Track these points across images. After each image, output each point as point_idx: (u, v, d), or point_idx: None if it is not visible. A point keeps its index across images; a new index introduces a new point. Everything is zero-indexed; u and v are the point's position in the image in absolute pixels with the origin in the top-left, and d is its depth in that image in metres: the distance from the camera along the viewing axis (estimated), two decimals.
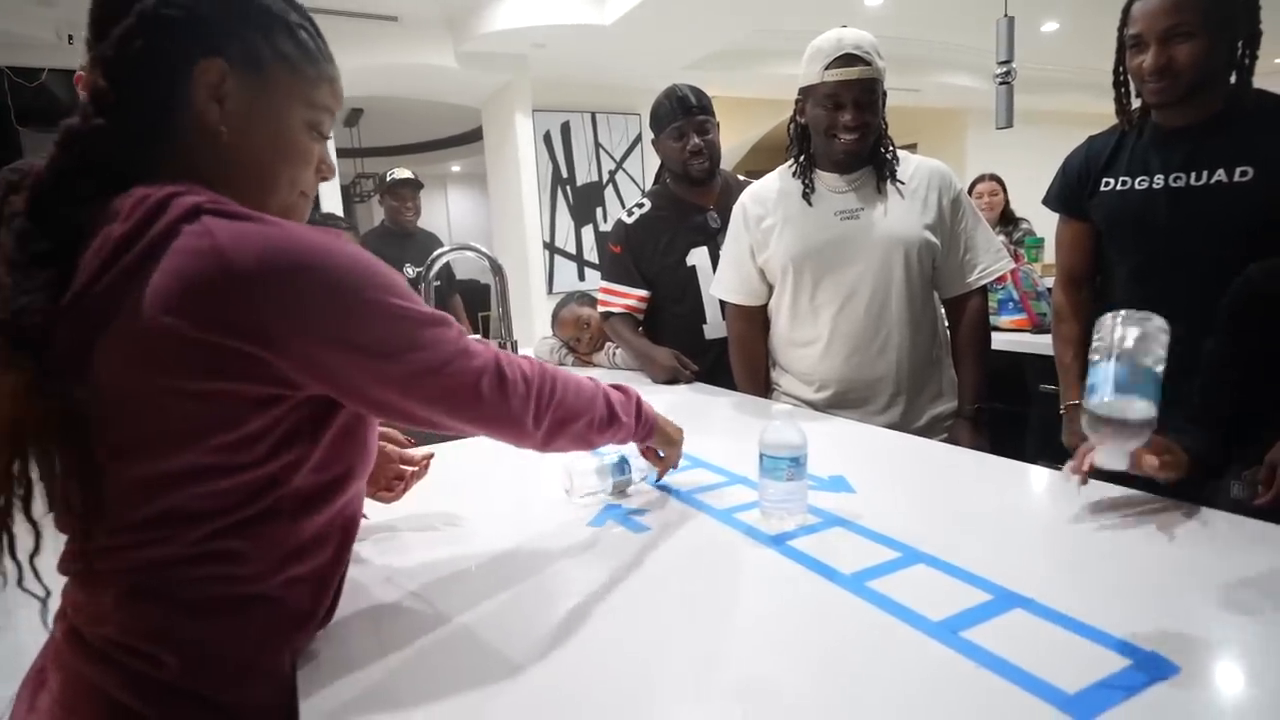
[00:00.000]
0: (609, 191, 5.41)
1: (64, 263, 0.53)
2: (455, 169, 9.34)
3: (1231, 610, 0.63)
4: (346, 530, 0.67)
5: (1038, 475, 1.04)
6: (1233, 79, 1.33)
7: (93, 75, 0.57)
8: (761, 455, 0.86)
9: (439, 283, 3.05)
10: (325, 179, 0.70)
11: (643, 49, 4.48)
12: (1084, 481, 0.87)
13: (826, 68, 1.36)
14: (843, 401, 1.50)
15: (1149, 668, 0.54)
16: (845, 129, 1.38)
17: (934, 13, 4.94)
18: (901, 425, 1.45)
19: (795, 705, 0.54)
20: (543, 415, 0.71)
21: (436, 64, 4.28)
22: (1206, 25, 1.26)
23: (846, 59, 1.35)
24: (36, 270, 0.52)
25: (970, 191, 3.84)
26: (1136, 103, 1.43)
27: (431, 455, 0.98)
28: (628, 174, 5.43)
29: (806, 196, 1.48)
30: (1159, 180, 1.39)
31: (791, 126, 1.50)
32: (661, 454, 0.98)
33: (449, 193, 9.71)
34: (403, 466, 0.95)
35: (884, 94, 1.45)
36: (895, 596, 0.67)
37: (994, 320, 2.34)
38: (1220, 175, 1.32)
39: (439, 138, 8.15)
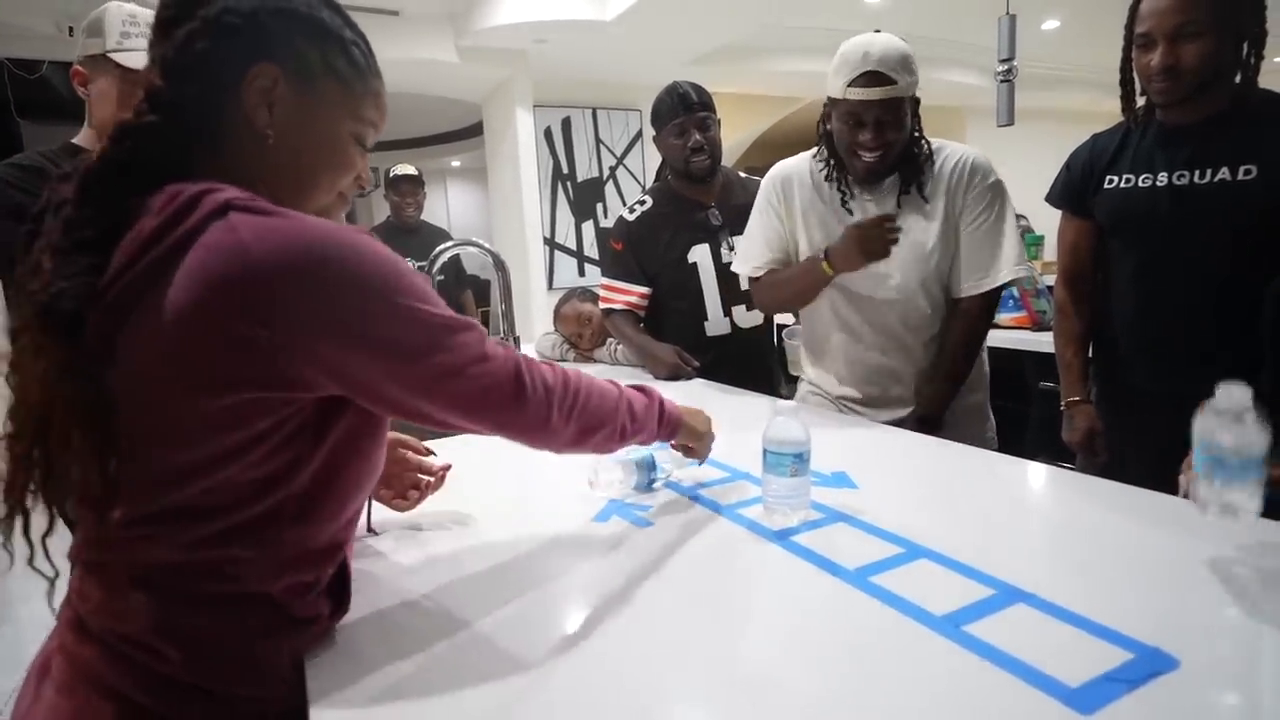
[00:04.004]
0: (609, 187, 5.41)
1: (104, 252, 0.54)
2: (455, 164, 9.32)
3: (1233, 605, 0.64)
4: (348, 539, 0.67)
5: (1039, 471, 1.04)
6: (1238, 78, 1.33)
7: (149, 74, 0.60)
8: (765, 451, 0.86)
9: (442, 277, 3.06)
10: (362, 190, 0.71)
11: (643, 45, 4.47)
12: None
13: (850, 84, 1.30)
14: (863, 401, 1.51)
15: (1150, 661, 0.55)
16: (865, 148, 1.34)
17: (935, 9, 4.93)
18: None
19: (802, 700, 0.54)
20: (563, 422, 0.70)
21: (438, 59, 4.28)
22: (1215, 24, 1.27)
23: (870, 77, 1.28)
24: (78, 257, 0.53)
25: None
26: (1141, 100, 1.43)
27: (449, 466, 0.95)
28: (628, 170, 5.43)
29: (846, 205, 1.44)
30: (1163, 178, 1.39)
31: (820, 129, 1.46)
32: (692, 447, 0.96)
33: (449, 188, 9.70)
34: (420, 476, 0.94)
35: (915, 102, 1.40)
36: (898, 591, 0.68)
37: (995, 318, 2.35)
38: (1224, 174, 1.33)
39: (439, 132, 8.13)
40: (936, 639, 0.60)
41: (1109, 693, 0.51)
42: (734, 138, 7.80)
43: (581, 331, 2.16)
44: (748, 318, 1.86)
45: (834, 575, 0.73)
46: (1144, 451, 1.40)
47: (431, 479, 0.94)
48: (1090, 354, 1.60)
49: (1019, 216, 3.65)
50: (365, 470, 0.65)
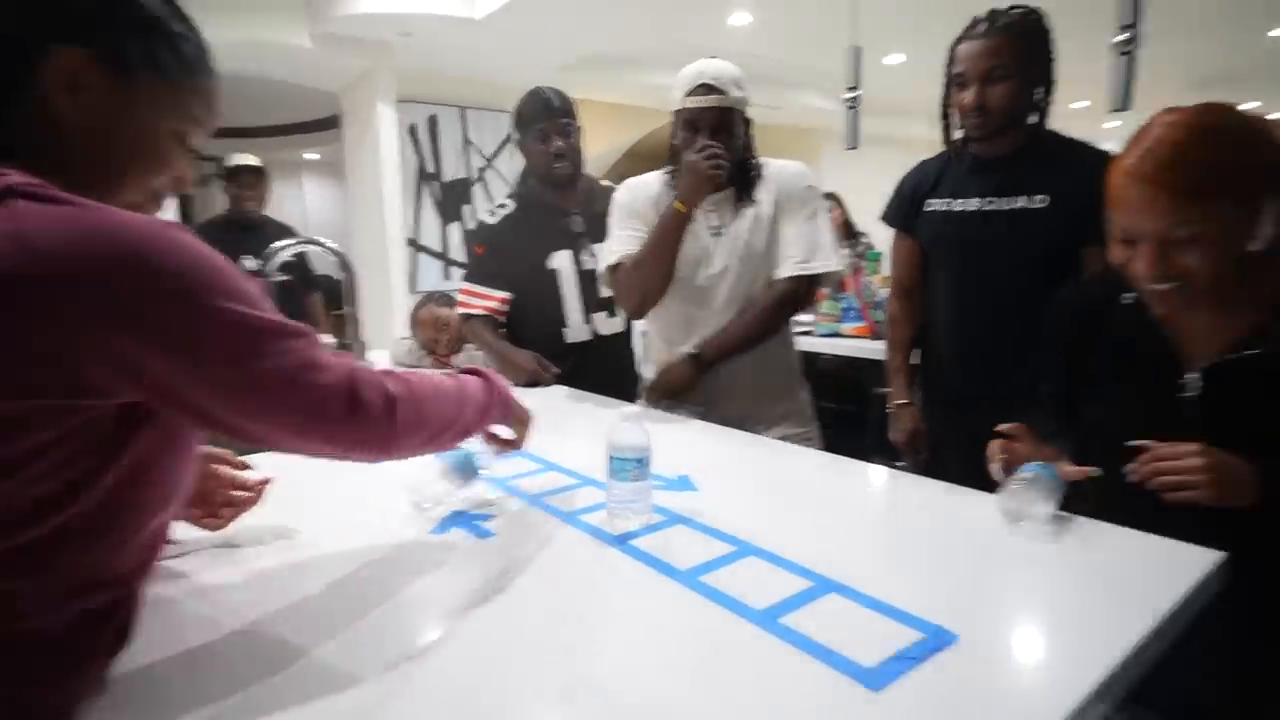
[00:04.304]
0: (478, 189, 5.29)
1: None
2: (312, 157, 8.76)
3: (1010, 583, 0.72)
4: (146, 563, 0.61)
5: (864, 470, 1.12)
6: (1033, 119, 1.51)
7: None
8: (609, 457, 0.87)
9: (288, 278, 2.86)
10: (179, 191, 0.65)
11: (515, 47, 4.42)
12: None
13: (687, 94, 1.43)
14: (704, 404, 1.54)
15: (934, 639, 0.60)
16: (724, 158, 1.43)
17: (792, 37, 5.24)
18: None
19: (623, 698, 0.55)
20: (407, 431, 0.66)
21: (289, 43, 4.01)
22: (1016, 70, 1.44)
23: (704, 88, 1.41)
24: None
25: None
26: (959, 133, 1.59)
27: (268, 480, 0.87)
28: (498, 172, 5.33)
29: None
30: (975, 203, 1.56)
31: (671, 144, 1.53)
32: (511, 434, 0.93)
33: (304, 182, 9.09)
34: (235, 492, 0.85)
35: (747, 121, 1.50)
36: (725, 589, 0.71)
37: (837, 328, 2.52)
38: (1023, 201, 1.50)
39: (294, 122, 7.61)
40: (756, 630, 0.63)
41: (897, 669, 0.56)
42: (604, 147, 7.87)
43: (438, 337, 2.09)
44: (609, 325, 1.88)
45: (668, 576, 0.75)
46: (959, 449, 1.55)
47: (248, 494, 0.86)
48: (916, 360, 1.76)
49: (861, 234, 3.94)
50: (168, 487, 0.60)
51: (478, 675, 0.59)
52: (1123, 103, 2.02)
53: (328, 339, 2.18)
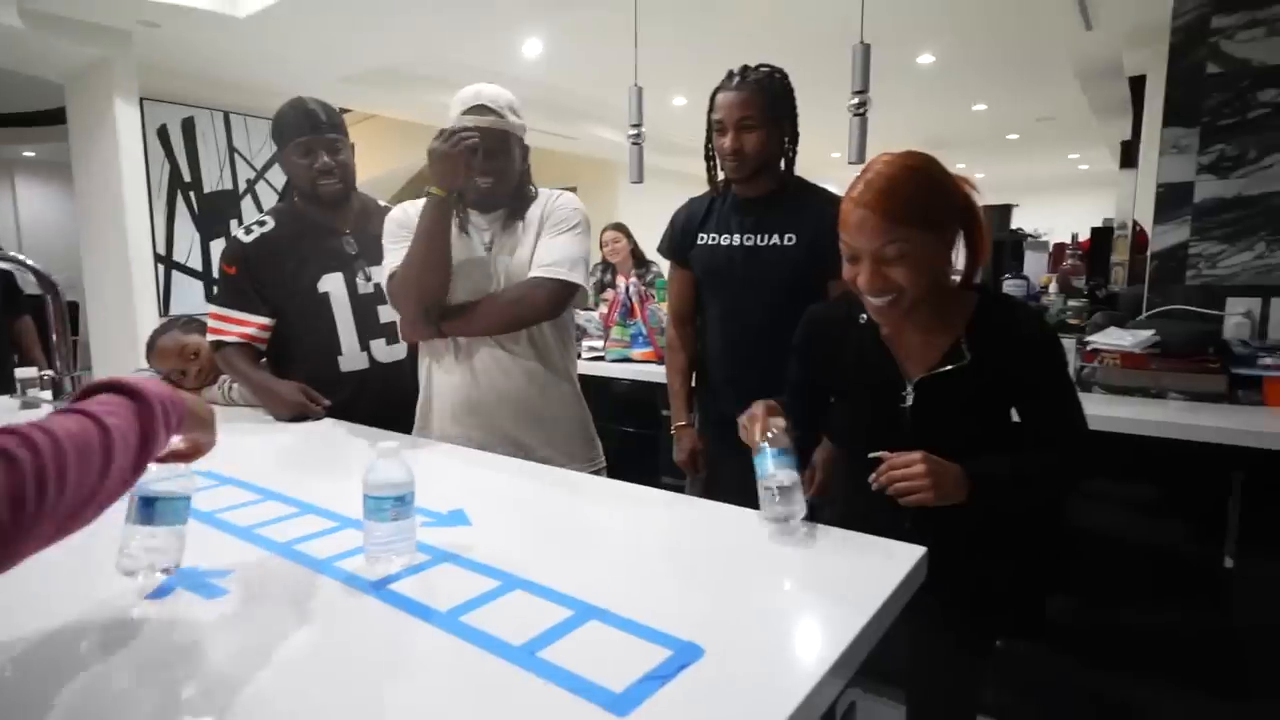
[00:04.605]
0: (247, 202, 4.77)
1: None
2: (29, 154, 7.37)
3: (755, 595, 0.77)
4: None
5: (640, 493, 1.15)
6: (783, 166, 1.69)
7: None
8: (364, 496, 0.81)
9: None
10: None
11: (286, 52, 4.08)
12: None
13: (462, 114, 1.43)
14: (489, 433, 1.50)
15: (681, 655, 0.63)
16: (482, 174, 1.44)
17: (582, 71, 5.43)
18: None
19: None
20: (28, 532, 0.49)
21: None
22: (765, 121, 1.60)
23: (478, 108, 1.43)
24: None
25: (601, 236, 4.27)
26: (722, 174, 1.73)
27: None
28: (271, 185, 4.86)
29: (465, 229, 1.50)
30: (737, 239, 1.70)
31: None
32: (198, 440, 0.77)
33: (17, 184, 7.61)
34: None
35: (524, 148, 1.52)
36: (485, 627, 0.69)
37: (627, 352, 2.61)
38: (775, 239, 1.67)
39: (5, 113, 6.37)
40: (510, 668, 0.62)
41: (646, 690, 0.58)
42: (395, 165, 7.55)
43: (185, 368, 1.83)
44: (388, 352, 1.78)
45: (425, 619, 0.71)
46: (732, 468, 1.67)
47: None
48: (694, 384, 1.88)
49: (651, 262, 4.13)
50: None
51: None
52: (859, 156, 2.33)
53: (28, 372, 1.82)
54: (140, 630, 0.70)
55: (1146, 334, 1.90)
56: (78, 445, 0.53)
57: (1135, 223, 3.13)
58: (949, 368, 1.07)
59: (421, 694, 0.59)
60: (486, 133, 1.41)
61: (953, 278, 1.11)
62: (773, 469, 0.97)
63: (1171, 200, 2.08)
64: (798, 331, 1.26)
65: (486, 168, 1.43)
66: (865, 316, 1.12)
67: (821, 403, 1.25)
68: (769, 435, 1.00)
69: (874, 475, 1.02)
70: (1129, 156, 3.87)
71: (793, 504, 0.95)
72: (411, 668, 0.64)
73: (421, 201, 1.45)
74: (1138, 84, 4.26)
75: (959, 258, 1.10)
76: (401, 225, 1.50)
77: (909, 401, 1.10)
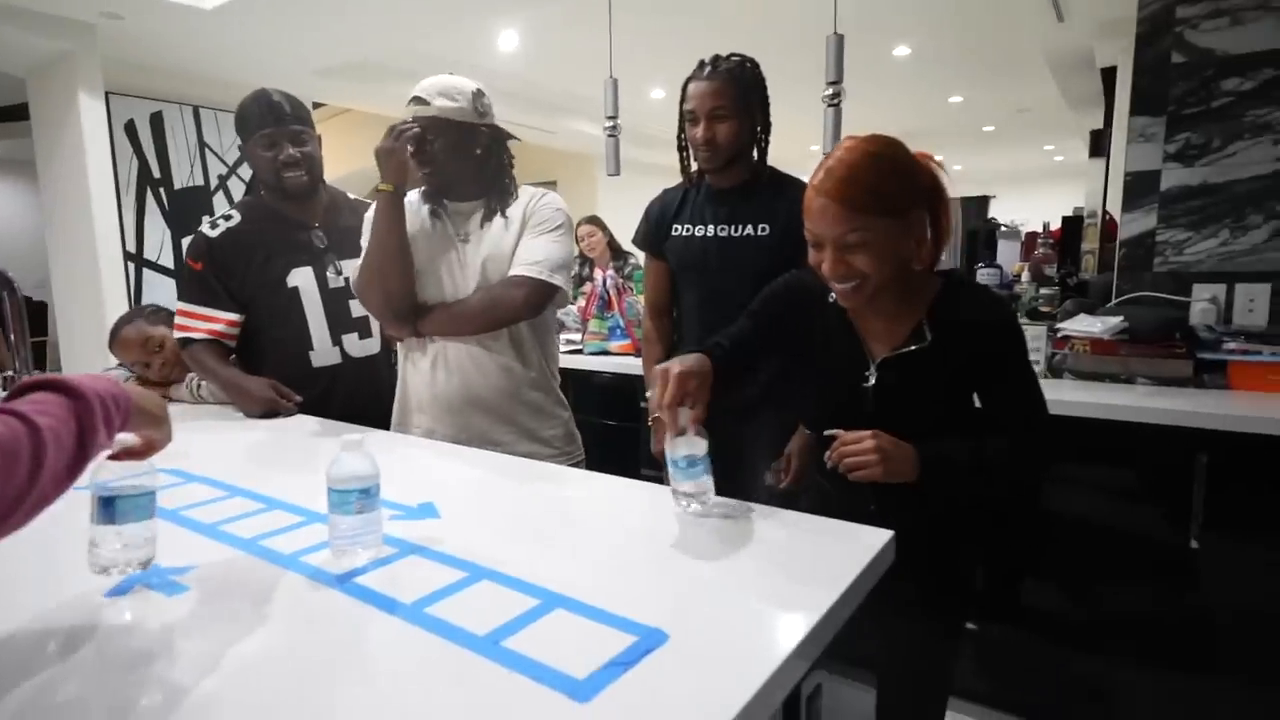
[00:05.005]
0: (219, 198, 4.70)
1: None
2: None
3: (721, 577, 0.78)
4: None
5: (609, 484, 1.15)
6: (755, 156, 1.69)
7: None
8: (328, 489, 0.80)
9: None
10: None
11: (256, 45, 4.01)
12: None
13: (407, 105, 1.45)
14: (467, 431, 1.49)
15: (645, 640, 0.63)
16: (417, 162, 1.44)
17: (557, 65, 5.39)
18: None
19: None
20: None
21: None
22: (737, 111, 1.59)
23: (416, 100, 1.43)
24: None
25: (577, 230, 4.25)
26: (695, 165, 1.73)
27: None
28: (242, 180, 4.78)
29: (436, 216, 1.50)
30: (711, 229, 1.70)
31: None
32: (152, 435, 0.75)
33: None
34: None
35: (491, 137, 1.49)
36: (450, 618, 0.68)
37: (605, 345, 2.61)
38: (749, 229, 1.67)
39: None
40: (474, 658, 0.61)
41: (608, 676, 0.58)
42: (371, 160, 7.45)
43: (149, 360, 1.79)
44: (361, 346, 1.76)
45: (389, 612, 0.70)
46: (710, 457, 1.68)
47: None
48: None
49: (629, 254, 4.13)
50: None
51: None
52: (834, 147, 2.34)
53: None
54: (100, 629, 0.68)
55: (1115, 320, 1.92)
56: (1, 448, 0.50)
57: (1105, 211, 3.18)
58: (911, 348, 1.08)
59: (382, 685, 0.59)
60: (426, 122, 1.41)
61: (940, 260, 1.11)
62: (680, 480, 0.96)
63: (1139, 189, 2.10)
64: (779, 287, 1.23)
65: (423, 157, 1.43)
66: (834, 296, 1.13)
67: (759, 356, 1.22)
68: (680, 431, 0.98)
69: (828, 453, 1.03)
70: (1099, 146, 3.92)
71: (704, 503, 0.97)
72: (373, 660, 0.63)
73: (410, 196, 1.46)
74: (1109, 75, 4.32)
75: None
76: (370, 220, 1.49)
77: (871, 381, 1.11)
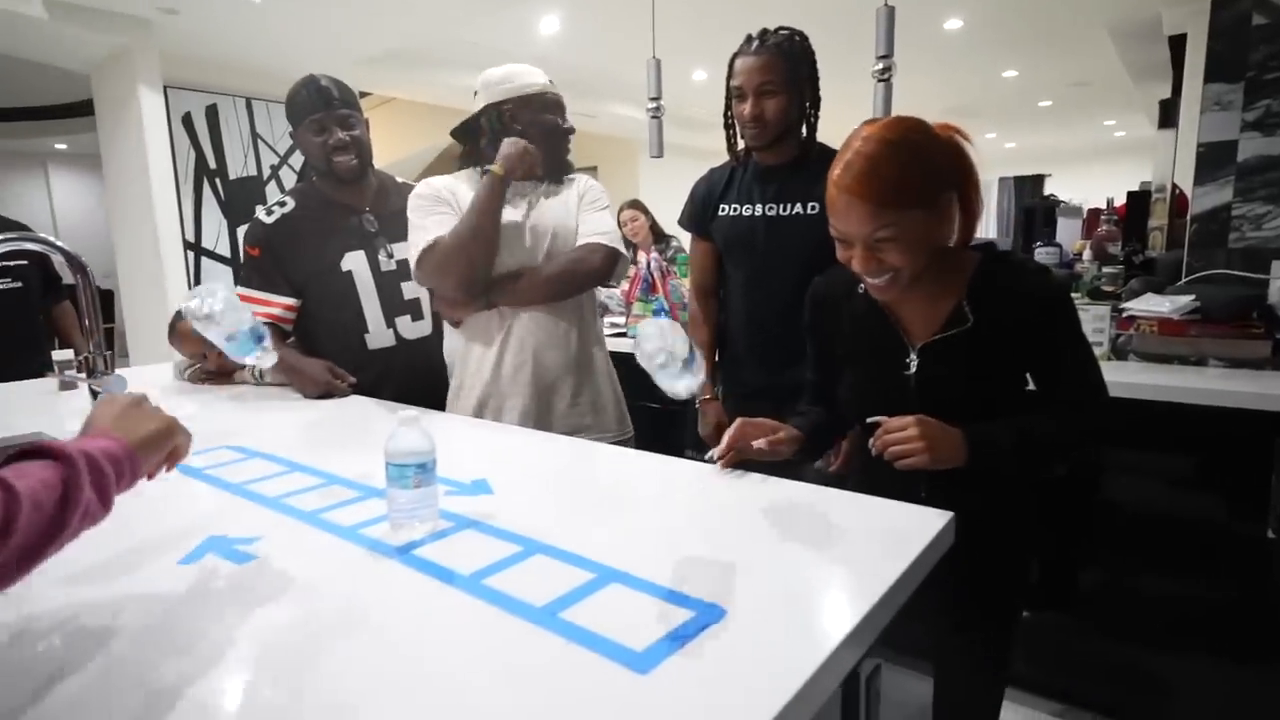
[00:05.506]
0: (272, 188, 4.82)
1: None
2: (60, 147, 7.52)
3: (777, 556, 0.77)
4: None
5: (662, 463, 1.15)
6: (804, 133, 1.65)
7: None
8: (387, 464, 0.82)
9: (17, 285, 2.42)
10: None
11: (303, 36, 4.10)
12: (726, 465, 1.06)
13: (529, 96, 1.53)
14: (538, 401, 1.52)
15: (704, 616, 0.63)
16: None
17: (600, 47, 5.36)
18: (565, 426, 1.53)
19: (391, 715, 0.51)
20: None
21: (16, 11, 3.40)
22: (785, 85, 1.56)
23: (536, 87, 1.54)
24: None
25: (619, 215, 4.23)
26: (741, 143, 1.70)
27: None
28: (294, 170, 4.90)
29: (520, 192, 1.55)
30: (759, 209, 1.67)
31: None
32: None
33: (51, 175, 7.78)
34: None
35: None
36: (507, 590, 0.69)
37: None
38: (798, 208, 1.63)
39: (35, 106, 6.50)
40: (533, 629, 0.62)
41: (667, 649, 0.58)
42: (417, 147, 7.57)
43: (207, 351, 1.85)
44: (414, 328, 1.79)
45: (448, 583, 0.71)
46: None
47: None
48: (718, 357, 1.86)
49: (671, 237, 4.09)
50: None
51: (232, 708, 0.52)
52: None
53: (65, 354, 1.86)
54: (174, 593, 0.71)
55: (1185, 300, 1.83)
56: (32, 496, 0.51)
57: (1174, 185, 3.02)
58: (952, 332, 1.03)
59: (447, 652, 0.60)
60: (556, 98, 1.54)
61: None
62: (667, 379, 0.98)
63: (1213, 160, 2.00)
64: (805, 307, 1.23)
65: (551, 141, 1.53)
66: (864, 286, 1.10)
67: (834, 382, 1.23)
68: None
69: (871, 440, 1.00)
70: (1168, 116, 3.72)
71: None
72: (436, 627, 0.64)
73: (447, 177, 1.47)
74: (1178, 44, 4.10)
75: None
76: (432, 199, 1.50)
77: (913, 369, 1.07)
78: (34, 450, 0.57)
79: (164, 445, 0.72)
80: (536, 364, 1.51)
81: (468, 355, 1.58)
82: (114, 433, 0.65)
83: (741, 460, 1.07)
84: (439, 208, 1.49)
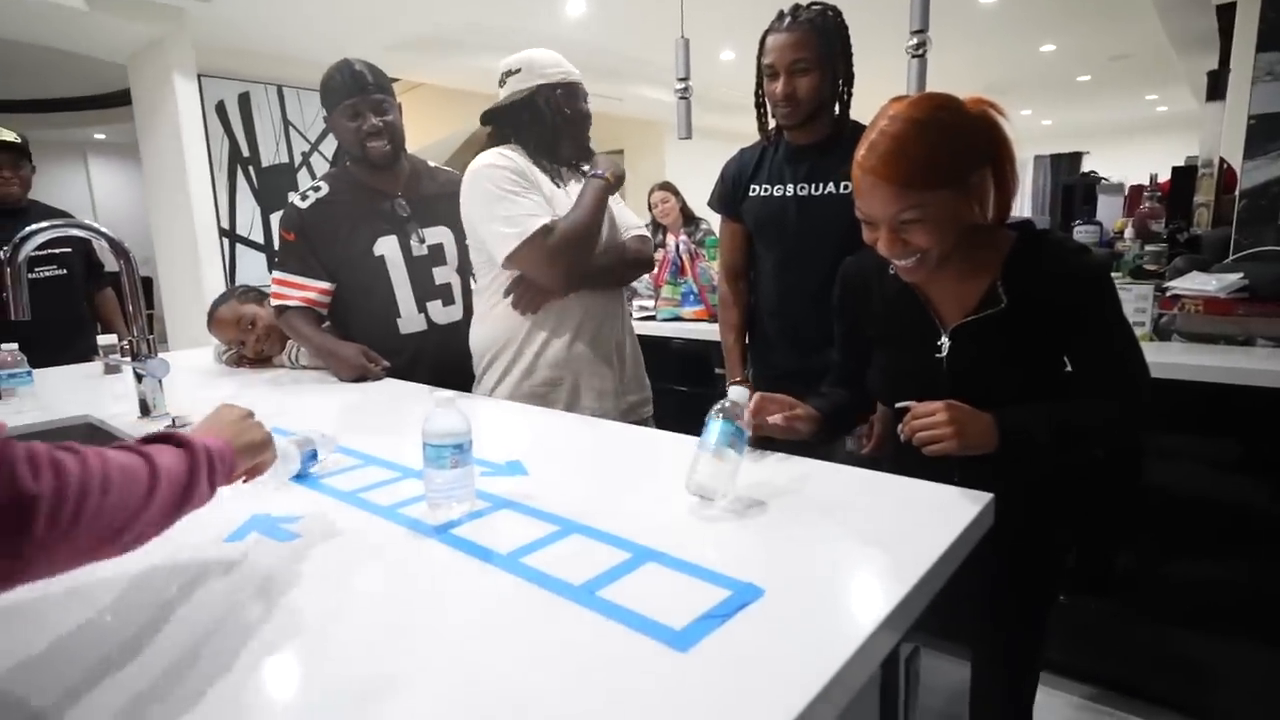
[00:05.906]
0: (303, 175, 4.89)
1: None
2: (99, 137, 7.70)
3: (814, 536, 0.76)
4: None
5: (694, 444, 1.14)
6: (838, 110, 1.62)
7: None
8: (424, 445, 0.83)
9: (61, 272, 2.49)
10: None
11: (334, 22, 4.12)
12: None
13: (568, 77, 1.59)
14: (594, 375, 1.58)
15: (741, 595, 0.63)
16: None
17: (627, 29, 5.30)
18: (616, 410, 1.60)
19: (432, 689, 0.52)
20: (43, 552, 0.50)
21: (59, 3, 3.47)
22: (819, 63, 1.53)
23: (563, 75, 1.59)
24: None
25: (650, 197, 4.20)
26: (773, 122, 1.67)
27: None
28: (324, 157, 4.96)
29: (556, 183, 1.58)
30: (790, 189, 1.65)
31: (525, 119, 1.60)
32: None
33: (90, 164, 7.97)
34: None
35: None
36: (544, 568, 0.70)
37: (678, 311, 2.59)
38: (832, 187, 1.61)
39: (74, 96, 6.64)
40: (571, 606, 0.63)
41: (706, 627, 0.58)
42: (447, 131, 7.59)
43: (244, 338, 1.89)
44: (445, 313, 1.80)
45: (486, 561, 0.72)
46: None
47: None
48: (748, 340, 1.85)
49: (701, 219, 4.05)
50: None
51: (277, 679, 0.53)
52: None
53: (109, 339, 1.91)
54: (220, 569, 0.73)
55: (1233, 278, 1.77)
56: (116, 473, 0.55)
57: (1222, 160, 2.91)
58: (985, 313, 1.00)
59: (486, 628, 0.61)
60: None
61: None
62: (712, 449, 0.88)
63: (1266, 132, 1.92)
64: (834, 289, 1.21)
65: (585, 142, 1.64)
66: (894, 269, 1.08)
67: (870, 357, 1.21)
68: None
69: (900, 426, 0.97)
70: (1216, 88, 3.58)
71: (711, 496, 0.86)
72: (476, 604, 0.65)
73: (511, 154, 1.53)
74: (1226, 12, 3.92)
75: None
76: (517, 173, 1.49)
77: (944, 351, 1.04)
78: (163, 438, 0.65)
79: (258, 456, 0.80)
80: (606, 344, 1.61)
81: (528, 340, 1.56)
82: (225, 434, 0.74)
83: (763, 439, 1.04)
84: (531, 191, 1.49)
